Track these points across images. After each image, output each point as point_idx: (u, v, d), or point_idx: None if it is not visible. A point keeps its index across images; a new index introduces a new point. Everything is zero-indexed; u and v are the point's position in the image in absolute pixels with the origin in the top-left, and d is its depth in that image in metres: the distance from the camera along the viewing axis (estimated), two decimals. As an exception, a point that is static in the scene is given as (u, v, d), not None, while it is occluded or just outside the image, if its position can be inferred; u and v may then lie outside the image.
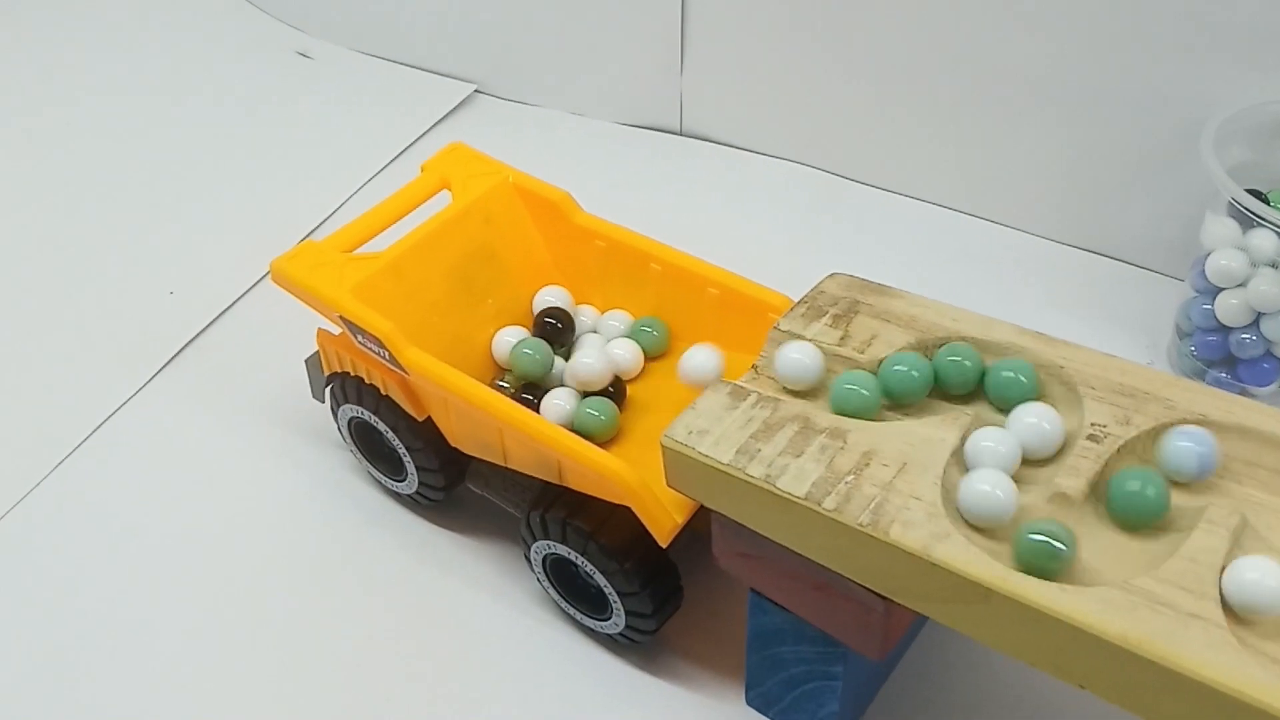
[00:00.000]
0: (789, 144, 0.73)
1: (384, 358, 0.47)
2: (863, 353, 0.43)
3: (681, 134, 0.76)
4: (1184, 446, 0.37)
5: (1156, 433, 0.38)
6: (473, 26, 0.78)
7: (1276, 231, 0.54)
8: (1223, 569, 0.34)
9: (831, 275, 0.46)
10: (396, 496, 0.54)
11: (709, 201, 0.71)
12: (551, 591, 0.49)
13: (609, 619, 0.47)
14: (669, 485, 0.42)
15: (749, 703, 0.48)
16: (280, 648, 0.50)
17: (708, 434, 0.40)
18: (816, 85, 0.70)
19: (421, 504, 0.53)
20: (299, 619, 0.51)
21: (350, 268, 0.49)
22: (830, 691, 0.44)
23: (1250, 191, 0.55)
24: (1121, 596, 0.34)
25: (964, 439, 0.39)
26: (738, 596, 0.45)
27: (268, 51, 0.85)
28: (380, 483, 0.54)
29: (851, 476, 0.38)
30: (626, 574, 0.45)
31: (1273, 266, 0.55)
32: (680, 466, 0.41)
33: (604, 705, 0.48)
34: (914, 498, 0.37)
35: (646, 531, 0.44)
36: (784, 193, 0.72)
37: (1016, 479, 0.38)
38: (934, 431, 0.39)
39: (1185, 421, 0.38)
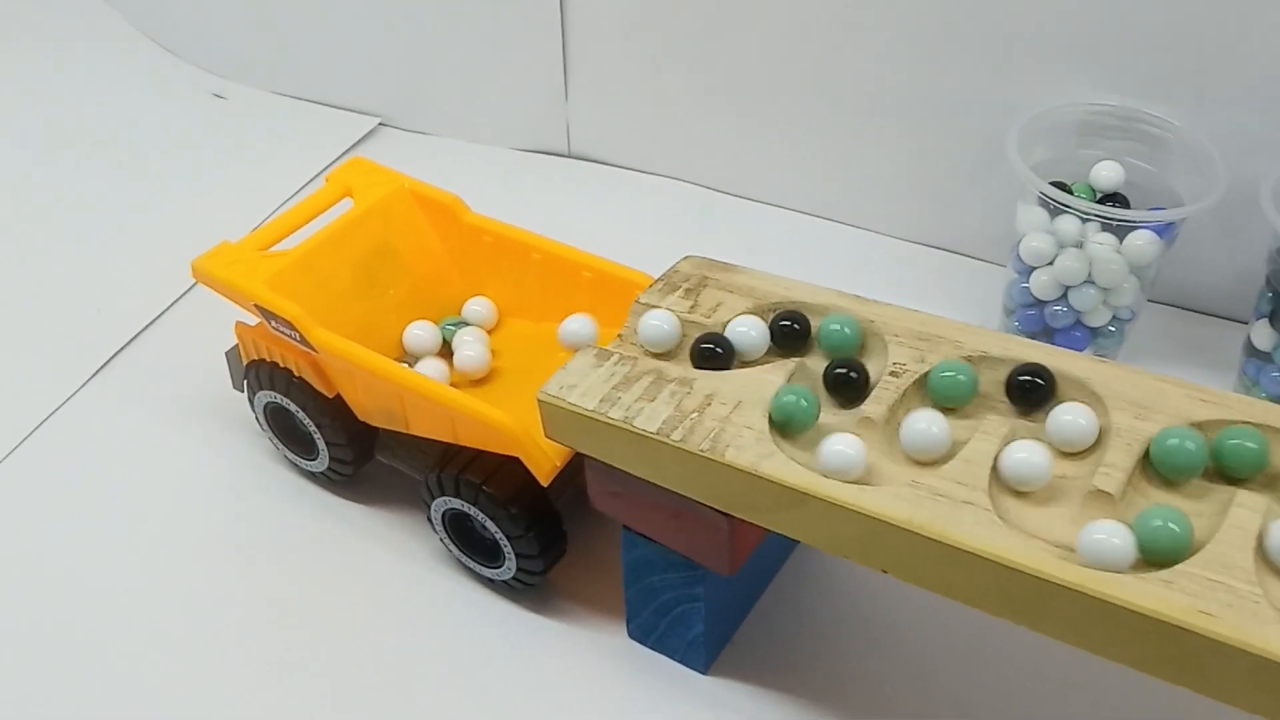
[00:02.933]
0: (666, 162, 0.80)
1: (295, 339, 0.53)
2: (709, 317, 0.50)
3: (570, 156, 0.83)
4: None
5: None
6: (376, 64, 0.85)
7: (1079, 216, 0.62)
8: (992, 468, 0.42)
9: (686, 257, 0.54)
10: (312, 476, 0.60)
11: (595, 216, 0.78)
12: (452, 547, 0.55)
13: (502, 566, 0.54)
14: (547, 436, 0.48)
15: (630, 635, 0.54)
16: (206, 618, 0.55)
17: (576, 388, 0.47)
18: (688, 107, 0.77)
19: (334, 480, 0.59)
20: (223, 593, 0.56)
21: (264, 263, 0.55)
22: (695, 613, 0.51)
23: (1055, 183, 0.63)
24: (910, 491, 0.41)
25: (790, 378, 0.46)
26: (616, 544, 0.52)
27: (185, 94, 0.91)
28: (296, 465, 0.60)
29: (695, 414, 0.45)
30: (513, 518, 0.51)
31: (1077, 246, 0.63)
32: (554, 417, 0.47)
33: (501, 645, 0.54)
34: (746, 427, 0.44)
35: (530, 481, 0.50)
36: (662, 206, 0.79)
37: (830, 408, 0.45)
38: (766, 375, 0.47)
39: (969, 358, 0.46)
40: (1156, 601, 0.36)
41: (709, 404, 0.46)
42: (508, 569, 0.54)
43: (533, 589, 0.55)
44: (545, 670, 0.53)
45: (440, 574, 0.57)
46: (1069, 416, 0.42)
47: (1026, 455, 0.41)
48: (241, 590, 0.56)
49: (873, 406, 0.45)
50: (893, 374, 0.46)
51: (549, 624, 0.55)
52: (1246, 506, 0.39)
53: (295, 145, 0.85)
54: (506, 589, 0.55)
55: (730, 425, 0.44)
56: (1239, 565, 0.37)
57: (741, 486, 0.43)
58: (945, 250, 0.74)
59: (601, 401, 0.46)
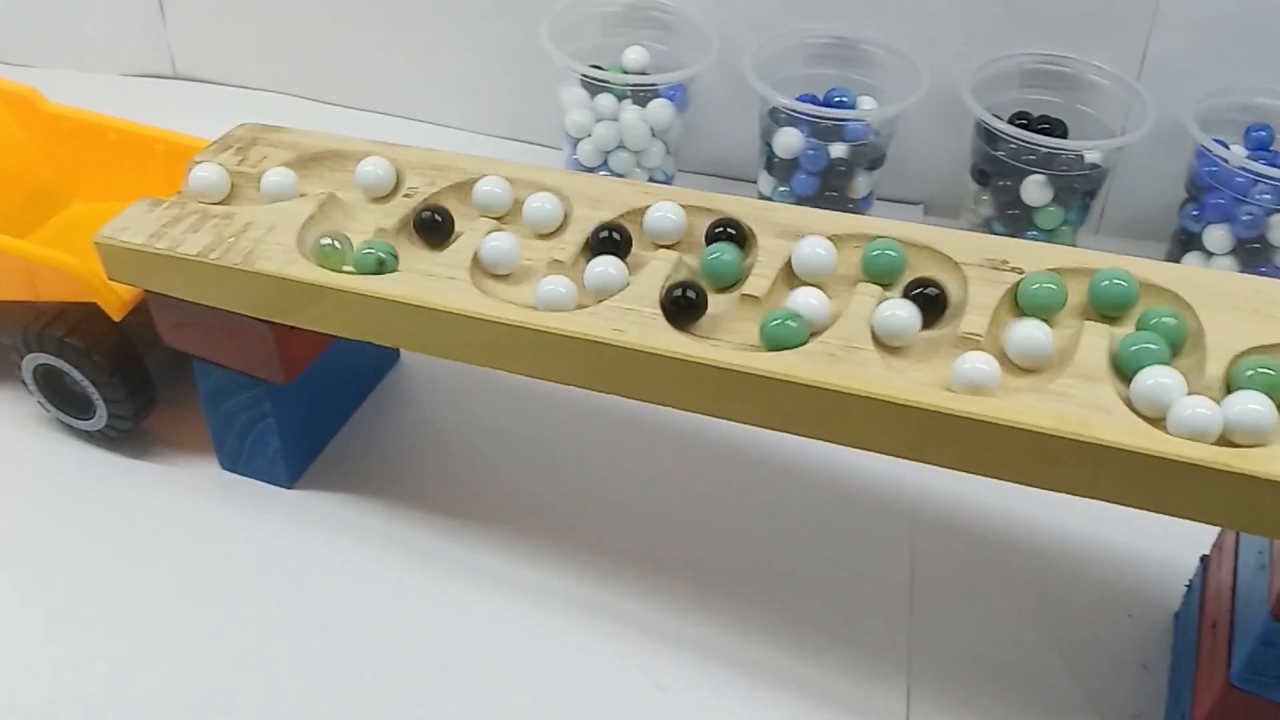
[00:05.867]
0: (266, 76, 0.87)
1: None
2: (255, 167, 0.57)
3: (175, 78, 0.88)
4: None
5: (459, 188, 0.55)
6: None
7: (613, 93, 0.73)
8: (475, 256, 0.51)
9: (241, 125, 0.61)
10: (-91, 364, 0.63)
11: (201, 134, 0.82)
12: (49, 406, 0.60)
13: (94, 416, 0.59)
14: (109, 278, 0.54)
15: (223, 466, 0.60)
16: None
17: (128, 229, 0.53)
18: (282, 22, 0.84)
19: (-69, 363, 0.63)
20: None
21: None
22: (270, 429, 0.58)
23: (594, 67, 0.73)
24: (408, 276, 0.50)
25: (320, 207, 0.54)
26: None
27: None
28: (-106, 355, 0.63)
29: (233, 238, 0.52)
30: (97, 365, 0.56)
31: (614, 119, 0.74)
32: (111, 257, 0.53)
33: (103, 492, 0.59)
34: (276, 244, 0.52)
35: (111, 330, 0.56)
36: (264, 119, 0.83)
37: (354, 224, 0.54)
38: (299, 206, 0.54)
39: (475, 180, 0.55)
40: (582, 326, 0.46)
41: (246, 229, 0.53)
42: (100, 418, 0.59)
43: (130, 437, 0.60)
44: (143, 510, 0.58)
45: (37, 433, 0.61)
46: (537, 205, 0.52)
47: (498, 243, 0.51)
48: None
49: (388, 220, 0.53)
50: (407, 195, 0.55)
51: (148, 468, 0.60)
52: (660, 259, 0.50)
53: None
54: (105, 440, 0.61)
55: (263, 244, 0.52)
56: (646, 297, 0.47)
57: (272, 291, 0.51)
58: (515, 140, 0.84)
59: (150, 237, 0.53)
